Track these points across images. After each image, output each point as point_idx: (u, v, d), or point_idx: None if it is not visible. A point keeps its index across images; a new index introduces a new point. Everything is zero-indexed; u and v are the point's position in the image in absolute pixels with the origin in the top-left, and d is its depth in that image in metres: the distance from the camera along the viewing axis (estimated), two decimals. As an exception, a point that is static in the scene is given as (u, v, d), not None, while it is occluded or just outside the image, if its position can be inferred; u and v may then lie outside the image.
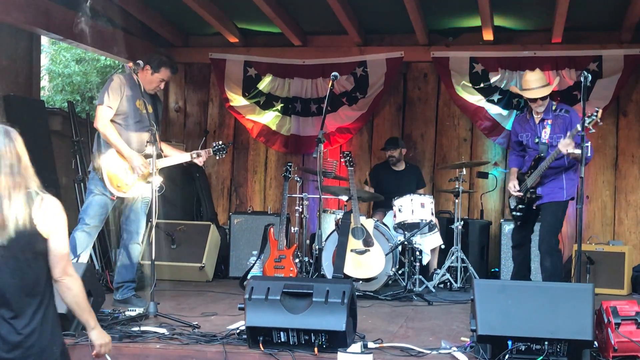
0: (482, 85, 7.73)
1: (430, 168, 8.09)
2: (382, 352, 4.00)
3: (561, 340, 3.72)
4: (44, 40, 9.03)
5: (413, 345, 4.06)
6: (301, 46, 8.12)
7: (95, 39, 6.57)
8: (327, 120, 6.72)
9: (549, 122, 5.69)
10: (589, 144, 5.00)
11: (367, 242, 6.21)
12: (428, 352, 4.01)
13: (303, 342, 3.94)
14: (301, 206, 6.82)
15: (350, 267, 6.10)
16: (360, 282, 6.15)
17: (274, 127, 8.27)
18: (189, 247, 7.19)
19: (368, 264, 6.17)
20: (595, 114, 4.95)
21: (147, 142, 5.12)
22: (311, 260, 6.45)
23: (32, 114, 7.09)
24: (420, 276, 6.46)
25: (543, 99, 5.68)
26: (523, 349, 3.74)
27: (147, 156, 5.22)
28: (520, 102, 7.54)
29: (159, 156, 5.26)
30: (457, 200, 6.89)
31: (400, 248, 6.41)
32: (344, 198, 6.82)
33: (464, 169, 6.95)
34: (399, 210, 6.48)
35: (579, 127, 5.00)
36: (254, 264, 6.59)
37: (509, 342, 3.74)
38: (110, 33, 6.90)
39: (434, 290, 6.44)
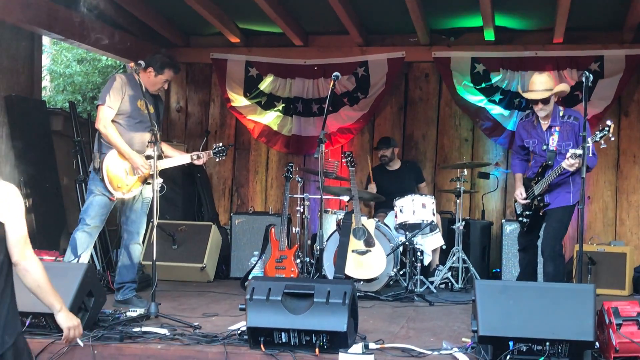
0: (483, 85, 7.73)
1: (431, 168, 8.09)
2: (383, 353, 3.99)
3: (562, 341, 3.71)
4: (46, 40, 9.04)
5: (414, 346, 4.05)
6: (302, 46, 8.12)
7: (96, 39, 6.57)
8: (328, 120, 6.72)
9: (557, 129, 5.59)
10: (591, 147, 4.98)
11: (369, 243, 6.21)
12: (429, 352, 4.00)
13: (304, 342, 3.93)
14: (302, 206, 6.81)
15: (352, 268, 6.10)
16: (362, 282, 6.15)
17: (275, 128, 8.27)
18: (190, 247, 7.19)
19: (369, 264, 6.17)
20: (607, 128, 4.87)
21: (149, 142, 5.11)
22: (312, 261, 6.44)
23: (33, 114, 7.10)
24: (422, 277, 6.45)
25: (544, 102, 5.56)
26: (524, 350, 3.74)
27: (148, 157, 5.22)
28: (522, 103, 7.54)
29: (160, 157, 5.25)
30: (458, 201, 6.89)
31: (401, 249, 6.41)
32: (345, 198, 6.82)
33: (465, 170, 6.96)
34: (400, 211, 6.47)
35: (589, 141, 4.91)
36: (255, 265, 6.59)
37: (510, 343, 3.73)
38: (112, 33, 6.91)
39: (435, 291, 6.43)
